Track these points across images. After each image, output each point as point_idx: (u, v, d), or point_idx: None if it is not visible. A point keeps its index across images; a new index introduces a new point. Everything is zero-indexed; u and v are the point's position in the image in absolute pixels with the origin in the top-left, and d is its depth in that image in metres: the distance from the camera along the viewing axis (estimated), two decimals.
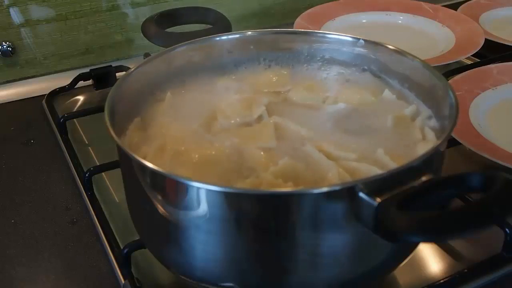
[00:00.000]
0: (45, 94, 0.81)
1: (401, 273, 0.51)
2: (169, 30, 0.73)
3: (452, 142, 0.62)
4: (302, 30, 0.72)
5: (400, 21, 0.96)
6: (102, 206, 0.59)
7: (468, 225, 0.35)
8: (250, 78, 0.59)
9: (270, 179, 0.43)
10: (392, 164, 0.44)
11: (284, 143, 0.49)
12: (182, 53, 0.57)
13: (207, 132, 0.50)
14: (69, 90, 0.82)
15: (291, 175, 0.43)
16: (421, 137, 0.49)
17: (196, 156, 0.47)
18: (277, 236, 0.40)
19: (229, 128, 0.52)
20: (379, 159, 0.45)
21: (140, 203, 0.46)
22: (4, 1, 0.81)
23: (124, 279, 0.50)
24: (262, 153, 0.47)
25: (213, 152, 0.47)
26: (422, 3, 0.97)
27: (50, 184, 0.65)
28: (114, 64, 0.83)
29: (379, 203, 0.37)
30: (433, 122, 0.50)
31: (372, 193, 0.37)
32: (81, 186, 0.62)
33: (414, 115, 0.52)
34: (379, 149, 0.46)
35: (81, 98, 0.82)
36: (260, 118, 0.52)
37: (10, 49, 0.84)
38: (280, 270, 0.42)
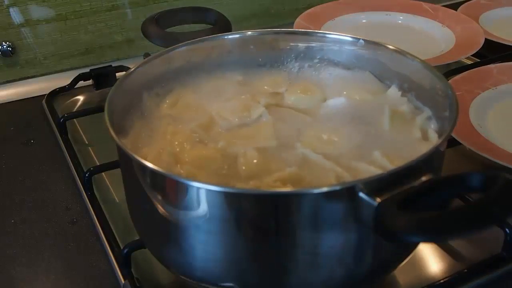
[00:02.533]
0: (45, 94, 0.81)
1: (401, 273, 0.51)
2: (169, 30, 0.73)
3: (452, 142, 0.62)
4: (302, 30, 0.72)
5: (400, 21, 0.96)
6: (102, 206, 0.59)
7: (468, 225, 0.35)
8: (250, 79, 0.59)
9: (269, 182, 0.43)
10: (390, 166, 0.44)
11: (282, 145, 0.49)
12: (182, 53, 0.57)
13: (206, 133, 0.50)
14: (69, 90, 0.82)
15: (293, 181, 0.43)
16: (421, 136, 0.49)
17: (194, 156, 0.47)
18: (277, 236, 0.40)
19: (228, 129, 0.51)
20: (376, 161, 0.45)
21: (140, 203, 0.46)
22: (4, 1, 0.81)
23: (124, 279, 0.50)
24: (260, 154, 0.47)
25: (211, 153, 0.47)
26: (422, 3, 0.97)
27: (50, 184, 0.65)
28: (114, 64, 0.83)
29: (379, 203, 0.37)
30: (433, 122, 0.50)
31: (372, 193, 0.37)
32: (81, 186, 0.62)
33: (413, 114, 0.52)
34: (375, 152, 0.46)
35: (81, 98, 0.82)
36: (259, 118, 0.52)
37: (10, 49, 0.84)
38: (280, 270, 0.42)
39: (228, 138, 0.50)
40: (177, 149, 0.48)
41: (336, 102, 0.55)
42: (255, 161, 0.46)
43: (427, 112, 0.51)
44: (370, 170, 0.44)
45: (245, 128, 0.52)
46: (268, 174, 0.44)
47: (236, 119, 0.52)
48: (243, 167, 0.46)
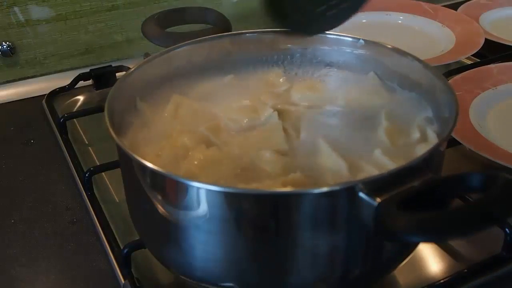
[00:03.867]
0: (45, 94, 0.81)
1: (401, 273, 0.51)
2: (169, 30, 0.73)
3: (452, 142, 0.62)
4: None
5: (400, 21, 0.96)
6: (102, 206, 0.59)
7: (468, 225, 0.35)
8: (251, 79, 0.59)
9: (271, 184, 0.43)
10: (391, 164, 0.44)
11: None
12: (182, 53, 0.57)
13: (216, 136, 0.50)
14: (69, 90, 0.82)
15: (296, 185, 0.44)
16: (420, 136, 0.49)
17: (202, 158, 0.46)
18: (277, 236, 0.40)
19: (238, 131, 0.51)
20: (377, 160, 0.45)
21: (140, 203, 0.46)
22: (4, 1, 0.81)
23: (124, 279, 0.50)
24: (273, 156, 0.47)
25: (220, 155, 0.47)
26: (422, 3, 0.97)
27: (50, 184, 0.65)
28: (114, 64, 0.83)
29: (379, 203, 0.37)
30: (433, 122, 0.50)
31: (372, 193, 0.37)
32: (81, 186, 0.62)
33: (412, 114, 0.52)
34: (376, 150, 0.46)
35: (81, 98, 0.82)
36: (267, 119, 0.52)
37: (10, 49, 0.84)
38: (280, 270, 0.42)
39: (240, 142, 0.49)
40: (182, 151, 0.47)
41: (336, 102, 0.55)
42: (275, 161, 0.46)
43: (427, 112, 0.51)
44: (371, 169, 0.44)
45: (255, 130, 0.51)
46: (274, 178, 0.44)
47: (245, 121, 0.52)
48: (268, 169, 0.45)
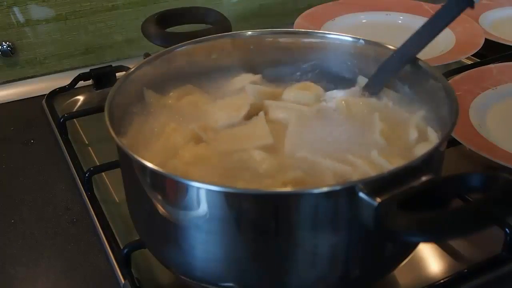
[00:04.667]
0: (45, 94, 0.81)
1: (401, 273, 0.51)
2: (169, 30, 0.73)
3: (452, 142, 0.62)
4: (302, 30, 0.72)
5: (400, 21, 0.96)
6: (102, 206, 0.59)
7: (468, 225, 0.35)
8: (250, 78, 0.59)
9: (271, 183, 0.43)
10: (388, 165, 0.44)
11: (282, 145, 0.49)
12: (182, 53, 0.57)
13: (205, 132, 0.50)
14: (69, 90, 0.82)
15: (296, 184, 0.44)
16: (418, 136, 0.49)
17: (194, 156, 0.47)
18: (277, 236, 0.40)
19: (225, 127, 0.51)
20: (374, 161, 0.45)
21: (140, 203, 0.46)
22: (4, 1, 0.81)
23: (124, 279, 0.50)
24: (261, 153, 0.47)
25: (210, 153, 0.47)
26: (422, 3, 0.97)
27: (50, 184, 0.65)
28: (114, 64, 0.83)
29: (379, 203, 0.37)
30: (433, 122, 0.50)
31: (372, 193, 0.37)
32: (81, 186, 0.62)
33: (410, 114, 0.52)
34: (373, 151, 0.46)
35: (81, 98, 0.82)
36: (249, 116, 0.52)
37: (10, 49, 0.84)
38: (280, 270, 0.42)
39: (226, 138, 0.49)
40: (178, 150, 0.48)
41: (333, 101, 0.55)
42: (266, 160, 0.46)
43: (425, 111, 0.51)
44: (367, 169, 0.44)
45: (241, 127, 0.52)
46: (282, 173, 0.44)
47: (232, 119, 0.52)
48: (263, 166, 0.45)
